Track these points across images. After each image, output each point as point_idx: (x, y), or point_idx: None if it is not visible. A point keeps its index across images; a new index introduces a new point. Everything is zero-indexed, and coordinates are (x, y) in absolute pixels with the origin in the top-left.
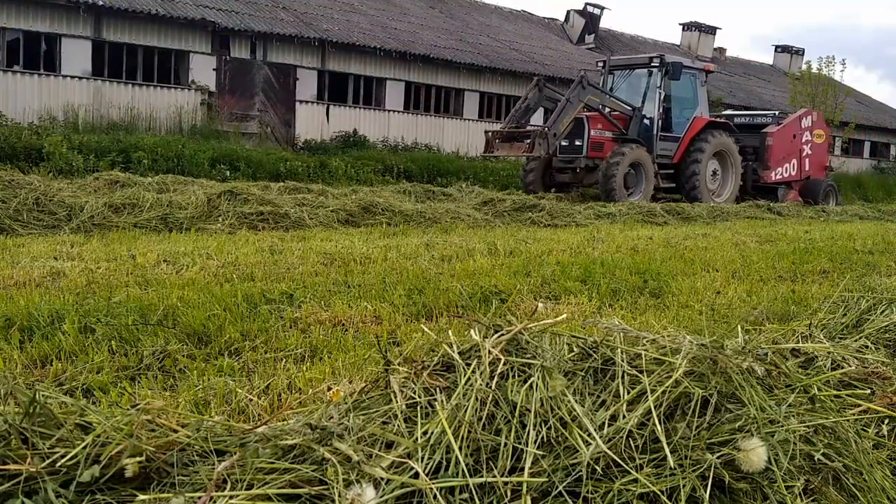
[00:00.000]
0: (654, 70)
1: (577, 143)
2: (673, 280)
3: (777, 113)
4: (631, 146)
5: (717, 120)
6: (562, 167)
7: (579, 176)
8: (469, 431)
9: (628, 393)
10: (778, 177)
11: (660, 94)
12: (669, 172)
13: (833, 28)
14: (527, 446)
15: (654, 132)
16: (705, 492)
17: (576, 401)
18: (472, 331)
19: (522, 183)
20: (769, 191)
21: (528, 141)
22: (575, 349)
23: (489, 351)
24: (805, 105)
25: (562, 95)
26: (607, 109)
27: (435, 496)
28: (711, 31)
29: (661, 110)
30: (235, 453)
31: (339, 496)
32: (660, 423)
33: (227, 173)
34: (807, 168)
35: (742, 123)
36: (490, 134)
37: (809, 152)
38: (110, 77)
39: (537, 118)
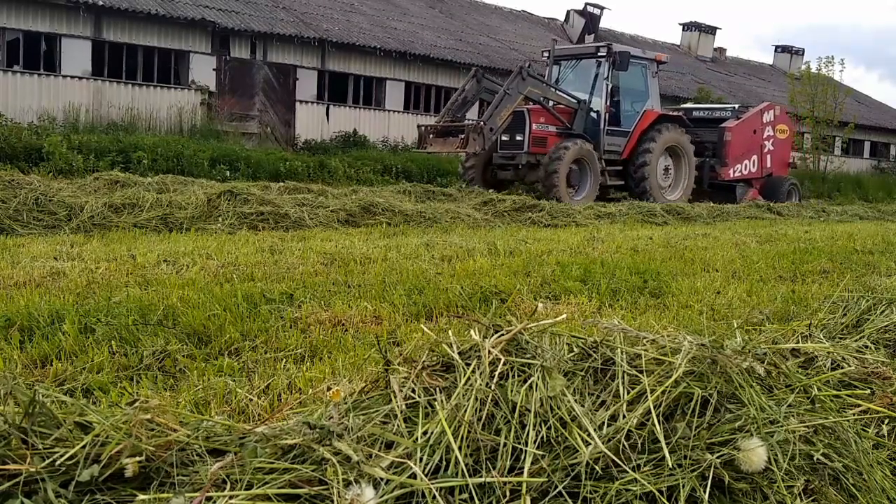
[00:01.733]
0: (602, 60)
1: (518, 137)
2: (673, 280)
3: (737, 106)
4: (574, 141)
5: (670, 113)
6: (503, 164)
7: (521, 173)
8: (469, 431)
9: (628, 393)
10: (737, 174)
11: (607, 85)
12: (618, 169)
13: (833, 28)
14: (526, 446)
15: (601, 126)
16: (705, 492)
17: (575, 401)
18: (472, 331)
19: (462, 178)
20: (727, 188)
21: (463, 136)
22: (575, 349)
23: (489, 351)
24: (804, 105)
25: (502, 87)
26: (551, 102)
27: (434, 496)
28: (711, 31)
29: (608, 103)
30: (236, 453)
31: (339, 496)
32: (659, 423)
33: (227, 173)
34: (768, 165)
35: (700, 118)
36: (423, 128)
37: (771, 148)
38: (110, 77)
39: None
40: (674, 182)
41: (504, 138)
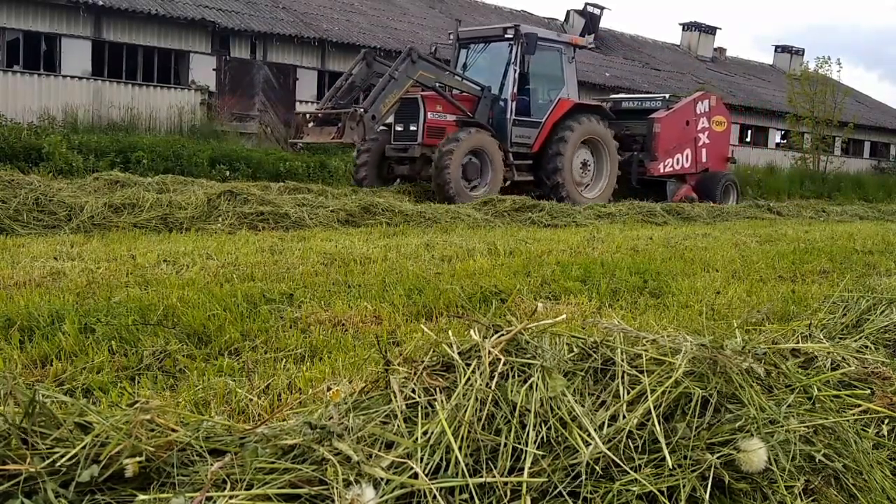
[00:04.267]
0: (510, 43)
1: (412, 128)
2: (673, 280)
3: (668, 96)
4: (470, 131)
5: (588, 103)
6: (398, 157)
7: (417, 167)
8: (469, 431)
9: (628, 393)
10: (668, 169)
11: (514, 70)
12: (529, 163)
13: (833, 28)
14: (526, 446)
15: (508, 116)
16: (705, 492)
17: (576, 401)
18: (471, 331)
19: (353, 176)
20: (657, 185)
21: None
22: (575, 349)
23: (489, 351)
24: (804, 106)
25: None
26: (451, 89)
27: (434, 496)
28: (711, 31)
29: (516, 90)
30: (236, 453)
31: (339, 496)
32: (659, 423)
33: (227, 173)
34: (703, 159)
35: (630, 109)
36: (301, 116)
37: (707, 141)
38: (110, 77)
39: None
40: (594, 179)
41: (398, 128)
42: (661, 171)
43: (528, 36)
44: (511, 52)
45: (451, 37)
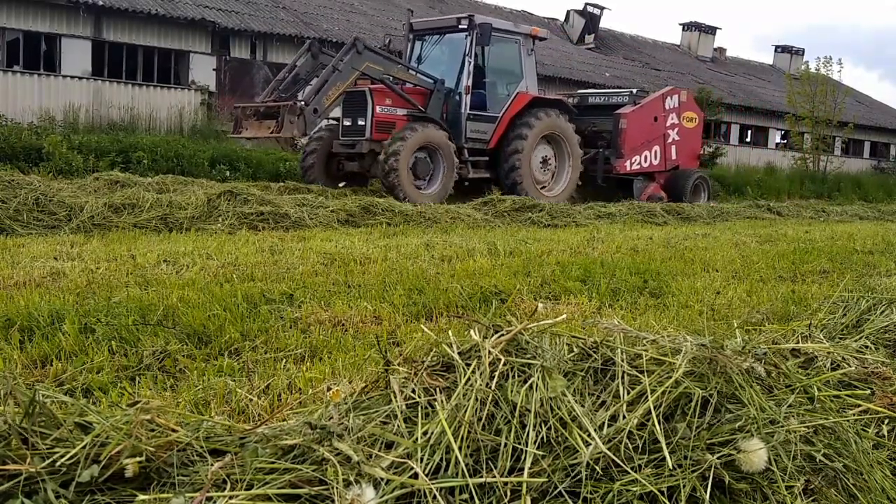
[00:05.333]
0: (466, 34)
1: (360, 122)
2: (673, 280)
3: (635, 91)
4: (419, 126)
5: (548, 97)
6: (348, 153)
7: (366, 164)
8: (469, 431)
9: (628, 393)
10: (635, 166)
11: (469, 63)
12: (486, 160)
13: (833, 28)
14: (527, 446)
15: (463, 110)
16: (705, 492)
17: (576, 401)
18: (472, 331)
19: (300, 172)
20: (624, 183)
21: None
22: (575, 349)
23: (489, 351)
24: (804, 106)
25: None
26: (402, 82)
27: (435, 496)
28: (711, 31)
29: (471, 83)
30: (236, 453)
31: (339, 496)
32: (660, 423)
33: (227, 173)
34: (673, 157)
35: (597, 104)
36: (241, 110)
37: (677, 138)
38: (110, 77)
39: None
40: (555, 176)
41: (346, 123)
42: (628, 168)
43: (483, 26)
44: (466, 43)
45: (405, 28)
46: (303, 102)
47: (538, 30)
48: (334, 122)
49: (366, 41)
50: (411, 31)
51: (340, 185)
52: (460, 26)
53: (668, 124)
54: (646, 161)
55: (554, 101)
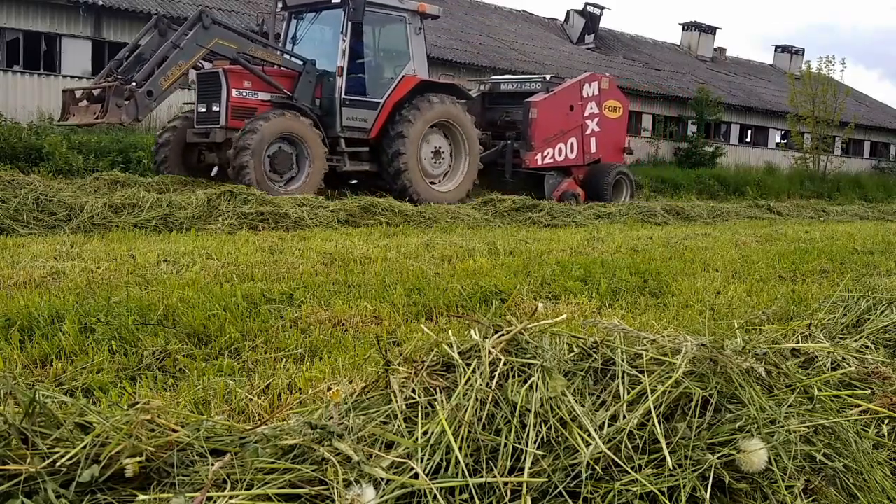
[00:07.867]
0: (340, 11)
1: (216, 108)
2: (673, 280)
3: (548, 77)
4: (275, 114)
5: (439, 81)
6: (207, 143)
7: (224, 155)
8: (469, 431)
9: (628, 393)
10: (548, 160)
11: (343, 41)
12: (366, 151)
13: (833, 28)
14: (527, 446)
15: (338, 95)
16: (706, 492)
17: (576, 401)
18: (472, 331)
19: (153, 167)
20: (535, 178)
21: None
22: (575, 349)
23: (489, 351)
24: (805, 106)
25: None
26: (264, 63)
27: (435, 496)
28: (711, 31)
29: (345, 64)
30: (236, 453)
31: (339, 496)
32: (660, 423)
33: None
34: (593, 149)
35: (509, 91)
36: (68, 94)
37: (597, 129)
38: None
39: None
40: (450, 171)
41: (200, 109)
42: (540, 162)
43: (356, 1)
44: (343, 20)
45: (279, 6)
46: (133, 84)
47: (425, 6)
48: (191, 110)
49: (214, 14)
50: (284, 9)
51: (213, 173)
52: (333, 2)
53: (586, 114)
54: (560, 154)
55: (447, 86)
